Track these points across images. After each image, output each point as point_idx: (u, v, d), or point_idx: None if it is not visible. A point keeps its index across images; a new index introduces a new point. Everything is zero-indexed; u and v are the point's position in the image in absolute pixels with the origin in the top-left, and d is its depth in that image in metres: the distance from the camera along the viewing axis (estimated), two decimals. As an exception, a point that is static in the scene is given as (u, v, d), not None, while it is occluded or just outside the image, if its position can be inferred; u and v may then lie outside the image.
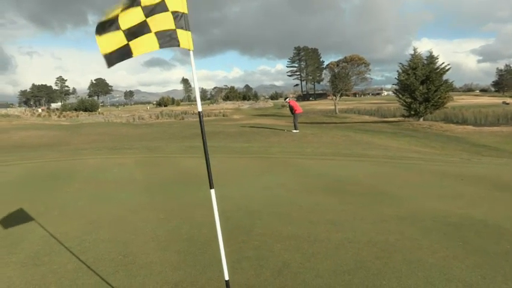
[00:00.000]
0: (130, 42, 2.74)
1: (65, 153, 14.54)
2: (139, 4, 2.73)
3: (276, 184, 7.74)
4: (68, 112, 70.11)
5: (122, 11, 2.70)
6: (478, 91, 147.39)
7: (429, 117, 41.46)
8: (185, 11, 2.86)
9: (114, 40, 2.72)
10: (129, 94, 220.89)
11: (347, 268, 3.69)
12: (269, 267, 3.77)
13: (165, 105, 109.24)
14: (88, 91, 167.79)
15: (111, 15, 2.70)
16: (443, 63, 39.28)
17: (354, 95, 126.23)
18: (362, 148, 15.33)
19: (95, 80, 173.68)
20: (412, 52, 40.66)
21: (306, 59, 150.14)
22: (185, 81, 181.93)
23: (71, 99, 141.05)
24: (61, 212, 6.06)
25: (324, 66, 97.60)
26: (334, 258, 3.93)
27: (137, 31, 2.76)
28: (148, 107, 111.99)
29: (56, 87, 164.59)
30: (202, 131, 3.00)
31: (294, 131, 20.14)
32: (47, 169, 10.34)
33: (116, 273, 3.76)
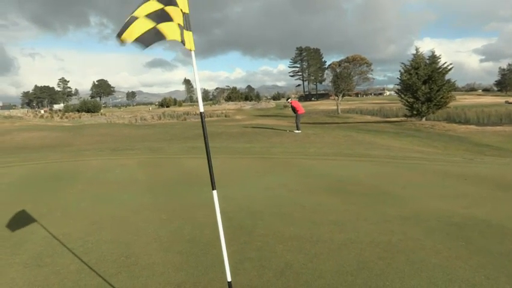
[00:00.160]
0: (158, 26, 2.62)
1: (67, 154, 14.57)
2: None
3: (278, 184, 7.73)
4: (70, 113, 70.32)
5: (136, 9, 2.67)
6: (480, 91, 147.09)
7: (431, 117, 41.40)
8: (187, 11, 2.86)
9: (137, 26, 2.57)
10: (131, 95, 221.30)
11: (350, 269, 3.68)
12: (271, 268, 3.76)
13: (167, 106, 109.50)
14: (90, 92, 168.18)
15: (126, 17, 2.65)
16: (445, 62, 39.29)
17: (356, 95, 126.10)
18: (364, 148, 15.31)
19: (97, 81, 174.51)
20: (414, 52, 40.72)
21: (308, 59, 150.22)
22: (187, 82, 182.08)
23: (74, 101, 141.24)
24: (64, 213, 6.06)
25: (326, 66, 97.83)
26: (337, 258, 3.92)
27: (160, 16, 2.65)
28: (150, 108, 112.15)
29: (59, 89, 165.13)
30: (204, 132, 3.00)
31: (296, 131, 20.13)
32: (50, 170, 10.35)
33: (118, 274, 3.76)
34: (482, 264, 3.67)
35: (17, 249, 4.51)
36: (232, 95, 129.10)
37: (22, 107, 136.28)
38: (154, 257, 4.14)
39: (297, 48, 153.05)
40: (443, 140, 24.52)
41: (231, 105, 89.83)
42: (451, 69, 39.16)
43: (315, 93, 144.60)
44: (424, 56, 40.25)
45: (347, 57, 66.06)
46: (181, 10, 2.81)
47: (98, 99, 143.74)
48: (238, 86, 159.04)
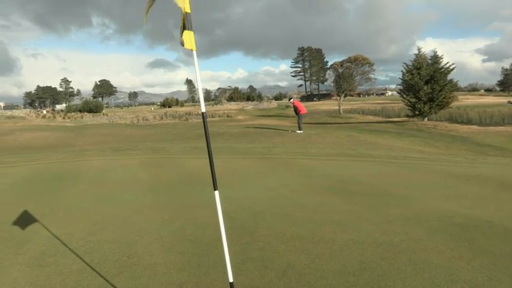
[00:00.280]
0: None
1: (69, 154, 14.59)
2: None
3: (280, 185, 7.72)
4: (72, 113, 70.31)
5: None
6: (482, 91, 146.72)
7: (433, 117, 41.36)
8: (188, 11, 2.86)
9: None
10: (133, 95, 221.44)
11: (352, 269, 3.68)
12: (273, 269, 3.76)
13: (169, 106, 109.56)
14: (93, 92, 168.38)
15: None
16: (447, 62, 39.17)
17: (359, 95, 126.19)
18: (366, 148, 15.29)
19: (99, 81, 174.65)
20: (416, 52, 40.56)
21: (310, 59, 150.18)
22: (189, 82, 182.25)
23: (76, 101, 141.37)
24: (66, 213, 6.07)
25: (328, 66, 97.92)
26: (339, 259, 3.92)
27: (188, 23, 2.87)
28: (152, 108, 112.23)
29: (61, 89, 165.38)
30: (206, 132, 3.00)
31: (298, 131, 20.12)
32: (52, 170, 10.38)
33: (120, 274, 3.77)
34: (485, 265, 3.66)
35: (19, 249, 4.52)
36: (234, 95, 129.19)
37: (24, 107, 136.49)
38: (156, 257, 4.14)
39: (299, 48, 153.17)
40: (445, 140, 24.46)
41: (233, 106, 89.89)
42: (453, 69, 39.08)
43: (317, 93, 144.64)
44: (426, 56, 40.17)
45: (349, 57, 65.99)
46: (182, 9, 2.82)
47: (100, 99, 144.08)
48: (240, 86, 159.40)
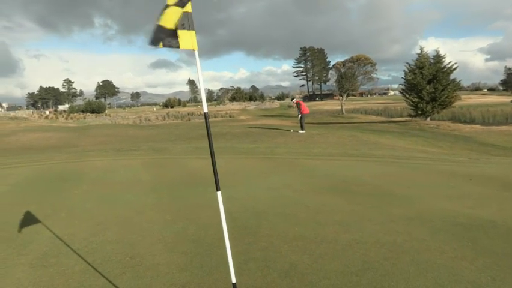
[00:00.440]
0: (179, 31, 2.77)
1: (72, 155, 14.62)
2: None
3: (283, 185, 7.72)
4: (75, 114, 70.45)
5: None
6: (485, 90, 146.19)
7: (436, 116, 41.24)
8: (190, 10, 2.85)
9: (172, 17, 2.70)
10: (136, 96, 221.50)
11: (355, 269, 3.67)
12: (276, 269, 3.75)
13: (172, 107, 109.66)
14: (95, 93, 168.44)
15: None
16: (450, 62, 39.13)
17: (361, 95, 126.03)
18: (368, 148, 15.26)
19: (101, 81, 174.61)
20: (419, 51, 40.53)
21: (312, 59, 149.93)
22: (191, 83, 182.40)
23: (78, 101, 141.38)
24: (69, 213, 6.08)
25: (331, 66, 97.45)
26: (341, 259, 3.91)
27: (185, 23, 2.80)
28: (155, 109, 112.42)
29: (64, 90, 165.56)
30: (208, 133, 2.99)
31: (301, 131, 20.10)
32: (55, 171, 10.40)
33: (123, 274, 3.77)
34: (488, 265, 3.65)
35: (22, 249, 4.53)
36: (236, 95, 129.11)
37: (27, 108, 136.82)
38: (158, 257, 4.14)
39: (301, 48, 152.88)
40: (448, 140, 24.40)
41: (235, 106, 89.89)
42: (455, 68, 39.03)
43: (319, 93, 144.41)
44: (429, 55, 40.10)
45: (351, 57, 65.95)
46: (184, 12, 2.81)
47: (102, 100, 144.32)
48: (242, 86, 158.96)
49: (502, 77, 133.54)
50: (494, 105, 53.89)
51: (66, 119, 62.09)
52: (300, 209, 5.86)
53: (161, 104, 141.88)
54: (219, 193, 3.04)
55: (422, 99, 38.67)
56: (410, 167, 9.85)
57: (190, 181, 8.43)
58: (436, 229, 4.73)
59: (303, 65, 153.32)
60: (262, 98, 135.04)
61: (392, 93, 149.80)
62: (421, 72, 38.55)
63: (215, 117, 59.68)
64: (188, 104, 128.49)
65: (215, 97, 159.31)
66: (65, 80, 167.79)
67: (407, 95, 41.05)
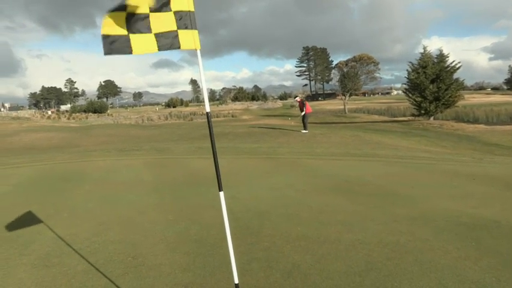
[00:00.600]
0: (131, 35, 2.69)
1: (74, 155, 14.65)
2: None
3: (285, 185, 7.70)
4: (77, 114, 70.58)
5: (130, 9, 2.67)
6: (489, 89, 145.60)
7: (439, 116, 41.13)
8: (192, 9, 2.84)
9: (117, 23, 2.64)
10: (138, 95, 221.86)
11: (358, 269, 3.65)
12: (279, 269, 3.74)
13: (174, 107, 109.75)
14: (97, 93, 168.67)
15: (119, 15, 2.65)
16: (453, 61, 38.93)
17: (364, 94, 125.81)
18: (371, 148, 15.23)
19: (104, 81, 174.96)
20: (422, 50, 40.32)
21: (314, 58, 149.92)
22: (193, 82, 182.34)
23: (81, 101, 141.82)
24: (71, 213, 6.09)
25: (333, 65, 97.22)
26: (344, 259, 3.90)
27: (139, 26, 2.71)
28: (157, 108, 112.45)
29: (66, 90, 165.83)
30: (210, 133, 2.98)
31: (304, 131, 20.05)
32: (57, 171, 10.41)
33: (125, 275, 3.76)
34: (492, 265, 3.63)
35: (24, 249, 4.53)
36: (238, 95, 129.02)
37: (29, 108, 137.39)
38: (161, 257, 4.14)
39: (303, 47, 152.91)
40: (451, 140, 24.32)
41: (238, 105, 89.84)
42: (459, 67, 38.84)
43: (322, 92, 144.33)
44: (432, 54, 39.91)
45: (354, 57, 65.79)
46: (177, 12, 2.80)
47: (105, 99, 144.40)
48: (244, 86, 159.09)
49: (506, 76, 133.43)
50: (498, 105, 53.75)
51: (68, 119, 62.25)
52: (302, 209, 5.84)
53: (163, 103, 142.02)
54: (221, 193, 3.03)
55: (425, 99, 38.52)
56: (413, 167, 9.82)
57: (193, 181, 8.43)
58: (440, 229, 4.70)
59: (305, 65, 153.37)
60: (264, 97, 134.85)
61: (395, 92, 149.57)
62: (424, 72, 38.40)
63: (217, 117, 59.72)
64: (190, 104, 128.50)
65: (217, 97, 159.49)
66: (67, 80, 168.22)
67: (410, 95, 40.90)
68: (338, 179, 8.23)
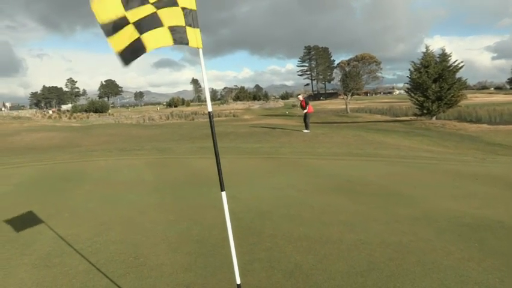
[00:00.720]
0: (142, 36, 2.64)
1: (75, 154, 14.65)
2: (147, 2, 2.69)
3: (287, 185, 7.68)
4: (78, 113, 70.57)
5: (128, 10, 2.65)
6: (492, 89, 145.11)
7: (442, 115, 41.01)
8: (194, 8, 2.82)
9: (126, 35, 2.61)
10: (139, 95, 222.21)
11: (360, 270, 3.63)
12: (281, 269, 3.72)
13: (175, 106, 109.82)
14: (98, 92, 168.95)
15: (115, 15, 2.62)
16: (456, 60, 38.81)
17: (366, 94, 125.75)
18: (374, 148, 15.19)
19: (105, 81, 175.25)
20: (424, 50, 40.20)
21: (316, 58, 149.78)
22: (195, 82, 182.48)
23: (82, 101, 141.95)
24: (72, 213, 6.08)
25: (335, 65, 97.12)
26: (346, 259, 3.88)
27: (148, 23, 2.67)
28: (158, 108, 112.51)
29: (67, 89, 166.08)
30: (212, 132, 2.97)
31: (305, 131, 20.01)
32: (58, 171, 10.41)
33: (127, 275, 3.75)
34: (496, 266, 3.60)
35: (25, 249, 4.52)
36: (240, 94, 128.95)
37: (30, 108, 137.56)
38: (162, 257, 4.12)
39: (305, 47, 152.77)
40: (454, 139, 24.26)
41: (239, 105, 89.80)
42: (461, 67, 38.72)
43: (323, 92, 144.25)
44: (434, 54, 39.79)
45: (356, 56, 65.67)
46: (184, 8, 2.78)
47: (106, 99, 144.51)
48: (246, 86, 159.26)
49: (509, 75, 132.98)
50: (501, 104, 53.63)
51: (69, 118, 62.29)
52: (304, 209, 5.82)
53: (164, 103, 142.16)
54: (223, 193, 3.01)
55: (428, 98, 38.41)
56: (416, 167, 9.78)
57: (194, 181, 8.41)
58: (442, 229, 4.68)
59: (307, 64, 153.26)
60: (266, 97, 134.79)
61: (397, 92, 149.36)
62: (427, 71, 38.28)
63: (219, 116, 59.67)
64: (192, 104, 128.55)
65: (219, 96, 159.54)
66: (68, 80, 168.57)
67: (413, 94, 40.79)
68: (340, 179, 8.21)
